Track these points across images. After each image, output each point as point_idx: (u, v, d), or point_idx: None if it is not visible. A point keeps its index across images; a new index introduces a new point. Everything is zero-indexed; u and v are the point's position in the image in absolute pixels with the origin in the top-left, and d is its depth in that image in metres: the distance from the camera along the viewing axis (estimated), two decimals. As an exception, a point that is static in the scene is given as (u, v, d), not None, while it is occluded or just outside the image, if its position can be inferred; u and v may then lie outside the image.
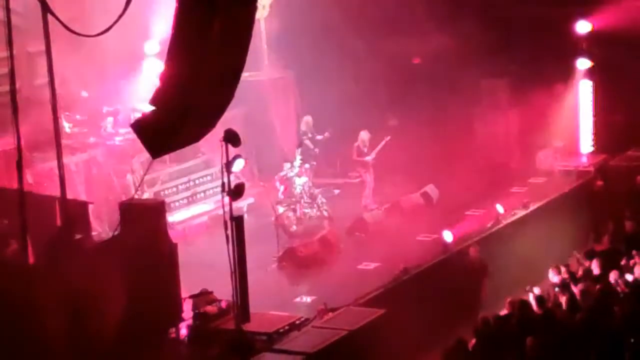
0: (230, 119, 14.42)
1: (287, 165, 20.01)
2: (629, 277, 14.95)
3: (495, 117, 23.59)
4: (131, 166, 18.97)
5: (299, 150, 20.22)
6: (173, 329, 14.72)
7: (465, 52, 22.40)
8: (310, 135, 21.00)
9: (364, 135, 20.68)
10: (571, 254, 17.33)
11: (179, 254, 14.84)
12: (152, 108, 11.68)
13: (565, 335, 13.05)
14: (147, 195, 18.86)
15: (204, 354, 14.20)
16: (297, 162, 19.97)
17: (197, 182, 20.59)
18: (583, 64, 23.01)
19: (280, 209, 19.37)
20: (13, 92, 12.27)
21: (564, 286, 15.07)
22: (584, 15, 22.71)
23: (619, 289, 14.52)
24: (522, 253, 17.95)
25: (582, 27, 22.79)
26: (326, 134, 20.96)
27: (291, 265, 17.95)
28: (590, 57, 22.93)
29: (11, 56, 12.31)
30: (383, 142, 20.56)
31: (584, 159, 22.89)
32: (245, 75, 12.58)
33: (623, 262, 15.62)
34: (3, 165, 15.73)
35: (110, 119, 19.39)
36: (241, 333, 14.13)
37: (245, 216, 15.49)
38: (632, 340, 12.54)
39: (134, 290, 13.70)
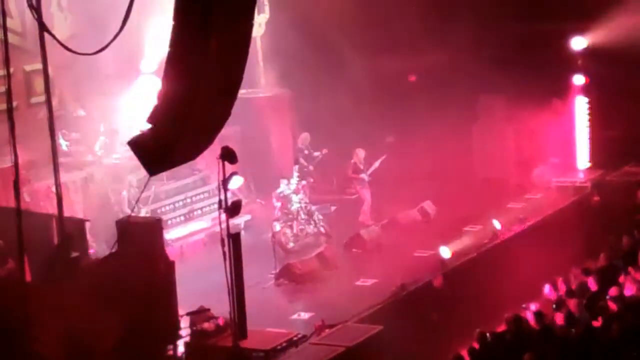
0: (227, 136, 14.51)
1: (284, 182, 19.99)
2: (626, 293, 14.94)
3: (492, 133, 23.62)
4: (128, 184, 19.00)
5: (296, 167, 20.21)
6: (170, 347, 14.71)
7: (461, 68, 22.46)
8: (307, 152, 21.00)
9: (360, 153, 20.75)
10: (568, 270, 17.32)
11: (176, 271, 14.87)
12: (150, 126, 11.71)
13: (563, 350, 13.03)
14: (144, 212, 18.87)
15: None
16: (294, 179, 19.96)
17: (193, 199, 20.57)
18: (579, 80, 23.08)
19: (277, 226, 19.36)
20: (10, 111, 12.28)
21: (560, 302, 15.06)
22: (580, 31, 22.78)
23: (615, 304, 14.49)
24: (519, 269, 17.93)
25: (578, 43, 22.87)
26: (323, 151, 20.98)
27: (288, 282, 17.94)
28: (586, 73, 23.00)
29: (8, 75, 12.33)
30: (379, 162, 20.61)
31: (581, 175, 22.90)
32: (242, 92, 12.61)
33: (621, 279, 15.60)
34: (0, 184, 15.73)
35: (102, 139, 19.41)
36: (238, 350, 14.11)
37: (242, 233, 15.54)
38: (635, 354, 12.51)
39: (131, 307, 13.70)
